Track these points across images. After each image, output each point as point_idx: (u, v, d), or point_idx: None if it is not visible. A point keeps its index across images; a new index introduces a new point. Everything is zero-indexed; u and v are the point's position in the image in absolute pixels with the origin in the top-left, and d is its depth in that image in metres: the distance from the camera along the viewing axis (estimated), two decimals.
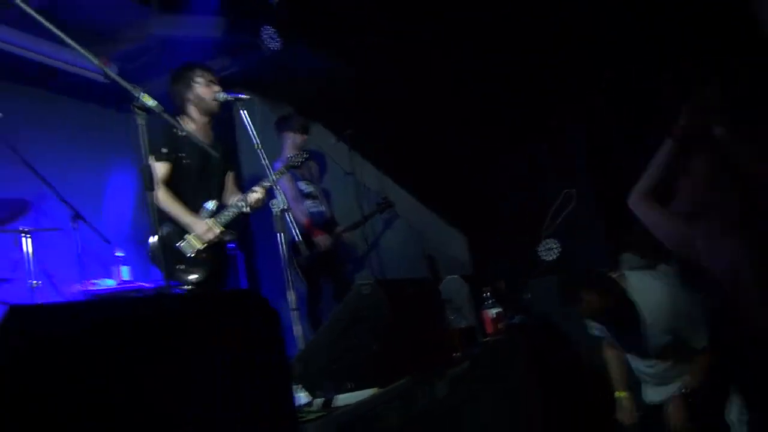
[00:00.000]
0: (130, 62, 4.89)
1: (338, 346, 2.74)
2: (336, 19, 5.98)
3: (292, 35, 5.15)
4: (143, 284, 4.89)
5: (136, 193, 6.00)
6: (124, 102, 5.99)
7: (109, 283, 4.73)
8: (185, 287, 3.16)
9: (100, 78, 5.30)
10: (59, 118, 5.43)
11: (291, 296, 3.26)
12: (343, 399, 2.70)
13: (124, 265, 4.83)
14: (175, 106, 3.46)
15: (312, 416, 2.26)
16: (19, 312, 1.21)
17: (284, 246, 3.26)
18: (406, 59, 6.19)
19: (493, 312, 3.70)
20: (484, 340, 3.63)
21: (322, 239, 4.51)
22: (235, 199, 3.40)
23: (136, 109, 2.16)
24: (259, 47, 4.98)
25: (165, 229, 3.25)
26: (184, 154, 3.28)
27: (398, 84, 6.37)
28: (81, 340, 1.29)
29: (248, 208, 3.35)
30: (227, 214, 3.32)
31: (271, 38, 4.86)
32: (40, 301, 3.61)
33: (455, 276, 4.15)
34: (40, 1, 4.01)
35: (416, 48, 5.74)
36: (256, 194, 3.34)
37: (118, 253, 4.83)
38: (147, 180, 2.11)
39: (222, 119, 3.75)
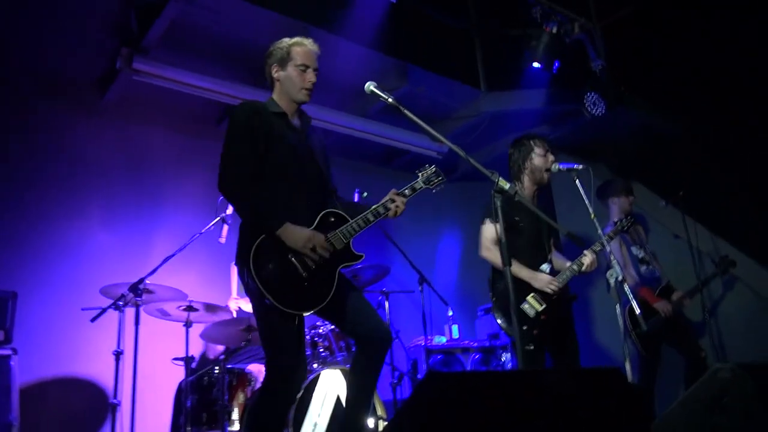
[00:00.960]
0: (464, 137, 5.42)
1: None
2: (664, 77, 5.74)
3: (615, 99, 5.10)
4: (470, 342, 5.24)
5: (460, 256, 6.53)
6: (451, 173, 6.72)
7: (442, 340, 5.20)
8: (528, 347, 3.28)
9: (433, 154, 6.02)
10: None
11: (627, 367, 3.16)
12: None
13: (454, 323, 5.26)
14: (510, 171, 3.69)
15: None
16: (434, 376, 1.46)
17: (622, 316, 3.19)
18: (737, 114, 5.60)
19: None
20: None
21: (662, 306, 4.21)
22: (570, 263, 3.45)
23: (495, 193, 2.40)
24: (582, 113, 5.04)
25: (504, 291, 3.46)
26: (518, 218, 3.47)
27: (733, 141, 5.77)
28: (475, 404, 1.48)
29: (582, 271, 3.38)
30: (564, 277, 3.40)
31: (594, 104, 4.90)
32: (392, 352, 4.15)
33: None
34: (396, 95, 4.82)
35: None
36: (589, 258, 3.39)
37: (450, 313, 5.28)
38: (505, 256, 2.31)
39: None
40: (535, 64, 4.51)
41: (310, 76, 2.65)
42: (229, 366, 3.84)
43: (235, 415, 3.83)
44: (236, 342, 3.95)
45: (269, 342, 2.45)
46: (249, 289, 2.42)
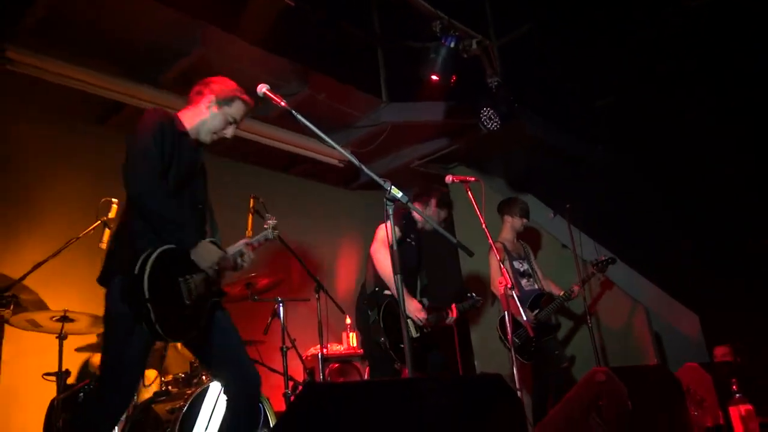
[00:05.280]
0: (363, 146, 5.42)
1: None
2: (557, 93, 6.05)
3: (509, 114, 5.29)
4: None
5: (359, 264, 6.51)
6: (351, 181, 6.71)
7: (337, 348, 5.15)
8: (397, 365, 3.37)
9: (334, 162, 5.98)
10: (300, 199, 6.21)
11: (515, 374, 3.27)
12: None
13: (352, 332, 5.23)
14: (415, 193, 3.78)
15: None
16: (313, 388, 1.41)
17: (509, 324, 3.31)
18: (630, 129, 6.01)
19: (742, 409, 3.25)
20: None
21: (524, 321, 4.44)
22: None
23: (387, 201, 2.39)
24: (478, 127, 5.18)
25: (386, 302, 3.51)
26: (413, 236, 3.53)
27: (619, 154, 6.19)
28: (355, 416, 1.45)
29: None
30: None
31: (489, 119, 5.04)
32: (288, 362, 4.05)
33: (694, 364, 3.77)
34: (295, 100, 4.74)
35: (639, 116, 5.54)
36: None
37: (347, 321, 5.24)
38: (395, 264, 2.31)
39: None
40: (433, 77, 4.58)
41: (230, 132, 2.66)
42: None
43: None
44: None
45: (117, 357, 2.33)
46: (125, 297, 2.25)
